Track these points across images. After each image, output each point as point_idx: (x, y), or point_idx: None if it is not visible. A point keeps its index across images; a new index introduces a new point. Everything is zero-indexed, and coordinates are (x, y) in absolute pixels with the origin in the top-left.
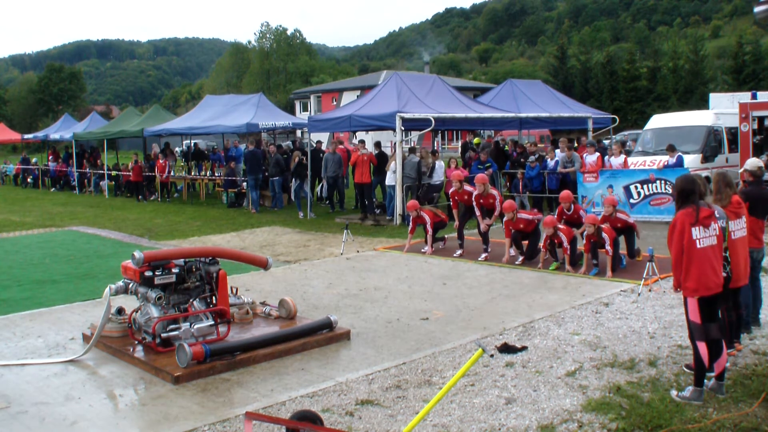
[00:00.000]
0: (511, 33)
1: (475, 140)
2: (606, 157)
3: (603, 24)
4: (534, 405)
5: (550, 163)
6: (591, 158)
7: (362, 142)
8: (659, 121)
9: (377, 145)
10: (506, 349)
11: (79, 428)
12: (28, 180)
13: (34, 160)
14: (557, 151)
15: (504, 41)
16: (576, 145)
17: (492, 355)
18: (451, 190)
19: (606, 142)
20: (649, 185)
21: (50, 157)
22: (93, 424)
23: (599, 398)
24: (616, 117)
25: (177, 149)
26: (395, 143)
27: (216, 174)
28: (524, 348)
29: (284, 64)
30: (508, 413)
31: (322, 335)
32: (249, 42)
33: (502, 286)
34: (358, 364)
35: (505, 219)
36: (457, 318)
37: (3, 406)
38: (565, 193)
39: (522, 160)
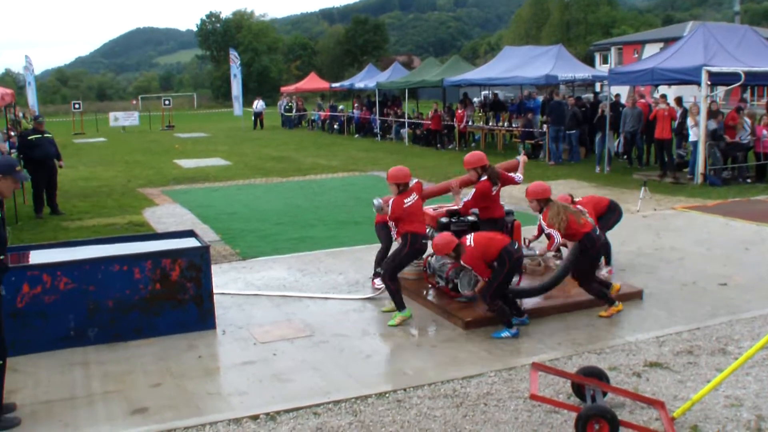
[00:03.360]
0: None
1: None
2: None
3: None
4: None
5: None
6: None
7: (663, 96)
8: None
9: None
10: None
11: (373, 362)
12: (335, 126)
13: (340, 107)
14: None
15: None
16: None
17: None
18: None
19: None
20: None
21: (355, 105)
22: (385, 359)
23: None
24: None
25: (475, 99)
26: (698, 98)
27: (513, 125)
28: None
29: (584, 15)
30: None
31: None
32: None
33: None
34: (649, 325)
35: None
36: (759, 286)
37: (307, 334)
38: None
39: None
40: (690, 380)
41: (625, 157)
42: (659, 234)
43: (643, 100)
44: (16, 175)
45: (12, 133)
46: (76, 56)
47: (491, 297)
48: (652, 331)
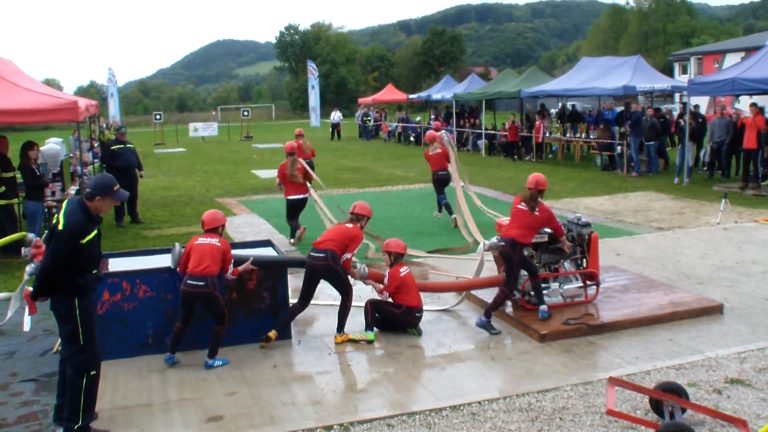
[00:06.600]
0: None
1: None
2: None
3: None
4: None
5: None
6: None
7: (754, 104)
8: None
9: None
10: None
11: (448, 374)
12: (410, 138)
13: (417, 118)
14: None
15: None
16: None
17: None
18: None
19: None
20: None
21: (431, 116)
22: (460, 371)
23: None
24: None
25: (552, 111)
26: None
27: (591, 136)
28: None
29: (663, 25)
30: None
31: (693, 307)
32: (627, 3)
33: None
34: (730, 341)
35: None
36: None
37: (381, 344)
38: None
39: None
40: None
41: (705, 168)
42: (741, 247)
43: (728, 111)
44: (114, 195)
45: (95, 144)
46: (158, 68)
47: None
48: (733, 346)
